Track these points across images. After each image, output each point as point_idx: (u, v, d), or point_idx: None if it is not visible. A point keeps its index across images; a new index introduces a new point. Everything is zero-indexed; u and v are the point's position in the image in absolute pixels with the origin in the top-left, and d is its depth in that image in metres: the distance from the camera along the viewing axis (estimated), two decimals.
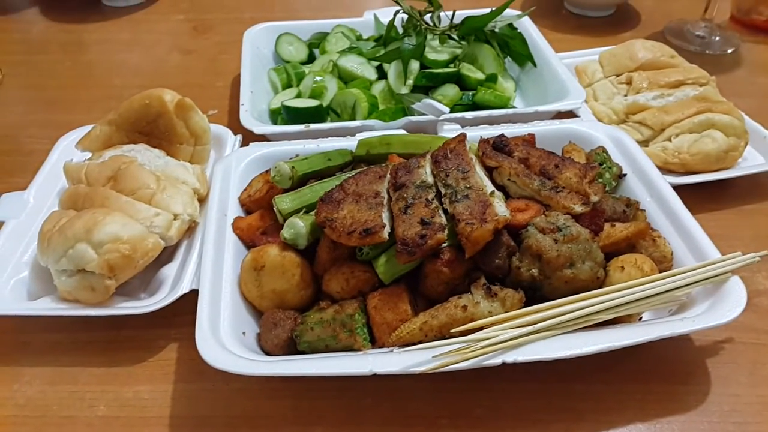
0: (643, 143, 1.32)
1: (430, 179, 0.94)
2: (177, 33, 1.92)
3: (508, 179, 0.96)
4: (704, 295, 0.89)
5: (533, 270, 0.85)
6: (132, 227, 0.96)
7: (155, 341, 0.97)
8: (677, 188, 1.14)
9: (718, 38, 1.82)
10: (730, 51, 1.78)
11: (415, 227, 0.85)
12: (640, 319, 0.90)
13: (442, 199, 0.91)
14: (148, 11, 2.05)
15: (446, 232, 0.85)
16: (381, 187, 0.94)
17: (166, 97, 1.15)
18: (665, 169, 1.25)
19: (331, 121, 1.38)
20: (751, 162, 1.28)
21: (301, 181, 1.03)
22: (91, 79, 1.70)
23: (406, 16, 1.48)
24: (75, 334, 0.98)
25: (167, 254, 1.05)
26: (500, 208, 0.88)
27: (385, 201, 0.92)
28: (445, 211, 0.90)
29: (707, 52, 1.78)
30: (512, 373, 0.83)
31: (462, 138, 0.99)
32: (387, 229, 0.86)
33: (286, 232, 0.91)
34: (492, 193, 0.90)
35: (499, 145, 1.01)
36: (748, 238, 1.15)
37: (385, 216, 0.89)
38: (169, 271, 1.02)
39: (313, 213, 0.93)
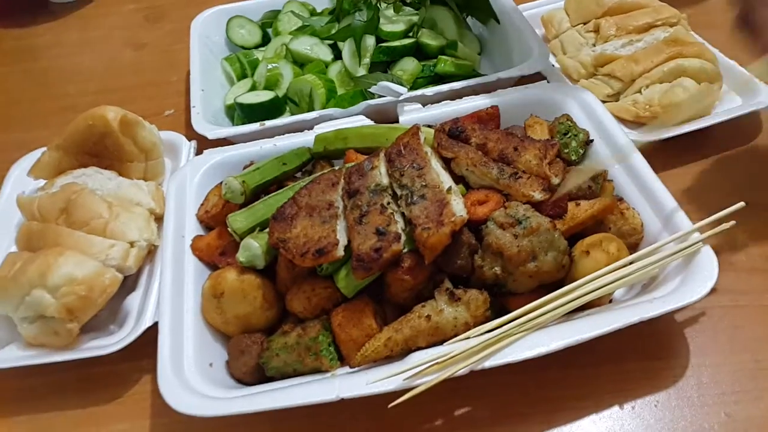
0: (615, 96, 1.26)
1: (385, 180, 0.91)
2: (128, 26, 1.84)
3: (466, 169, 0.92)
4: (676, 267, 0.86)
5: (496, 268, 0.82)
6: (86, 265, 0.94)
7: (128, 375, 0.96)
8: (652, 144, 1.11)
9: None
10: None
11: (371, 239, 0.82)
12: (611, 300, 0.87)
13: (399, 202, 0.88)
14: (96, 4, 1.96)
15: (403, 240, 0.82)
16: (335, 196, 0.90)
17: (109, 115, 1.11)
18: (638, 123, 1.20)
19: (290, 111, 1.33)
20: (727, 104, 1.22)
21: (255, 194, 0.99)
22: (44, 88, 1.64)
23: None
24: (48, 377, 0.97)
25: (131, 281, 1.03)
26: (458, 206, 0.84)
27: (340, 211, 0.89)
28: (403, 214, 0.86)
29: None
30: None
31: (415, 131, 0.95)
32: (342, 245, 0.83)
33: (241, 256, 0.89)
34: (449, 189, 0.87)
35: (455, 132, 0.97)
36: (728, 189, 1.11)
37: (340, 229, 0.86)
38: (134, 299, 1.00)
39: (268, 231, 0.90)
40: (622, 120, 1.20)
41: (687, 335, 0.91)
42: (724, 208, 1.00)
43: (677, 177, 1.13)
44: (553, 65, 1.34)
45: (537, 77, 1.27)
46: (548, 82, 1.25)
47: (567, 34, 1.41)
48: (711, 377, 0.86)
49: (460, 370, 0.75)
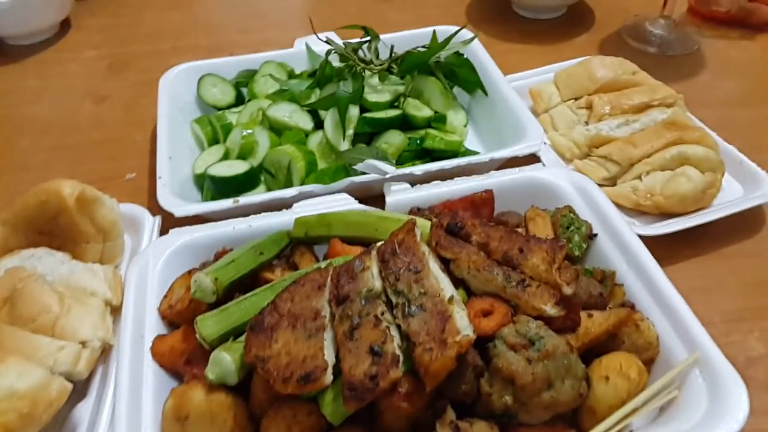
0: (611, 180, 1.20)
1: (378, 285, 0.81)
2: (90, 74, 1.71)
3: (468, 273, 0.83)
4: (698, 386, 0.78)
5: (506, 397, 0.73)
6: (30, 375, 0.80)
7: None
8: (653, 238, 1.04)
9: (674, 36, 1.69)
10: (691, 51, 1.66)
11: (364, 362, 0.71)
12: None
13: (394, 311, 0.78)
14: (57, 48, 1.83)
15: (401, 363, 0.72)
16: (321, 301, 0.80)
17: (64, 191, 0.98)
18: (637, 211, 1.14)
19: (266, 182, 1.23)
20: (728, 193, 1.17)
21: (228, 291, 0.88)
22: None
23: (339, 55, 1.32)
24: None
25: (81, 385, 0.89)
26: (462, 321, 0.74)
27: (327, 320, 0.78)
28: (399, 326, 0.76)
29: (668, 53, 1.66)
30: None
31: (411, 227, 0.85)
32: (331, 368, 0.72)
33: (211, 372, 0.77)
34: (451, 298, 0.77)
35: (454, 228, 0.88)
36: (734, 288, 1.05)
37: (327, 344, 0.75)
38: (84, 409, 0.86)
39: (243, 339, 0.78)
40: (619, 207, 1.13)
41: None
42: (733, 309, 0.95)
43: (677, 274, 1.05)
44: (544, 143, 1.28)
45: (530, 157, 1.20)
46: (543, 164, 1.19)
47: (557, 109, 1.36)
48: None
49: None
